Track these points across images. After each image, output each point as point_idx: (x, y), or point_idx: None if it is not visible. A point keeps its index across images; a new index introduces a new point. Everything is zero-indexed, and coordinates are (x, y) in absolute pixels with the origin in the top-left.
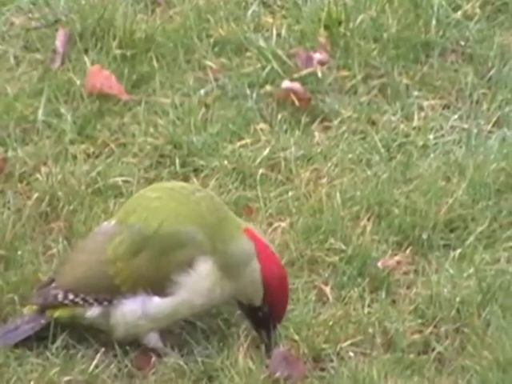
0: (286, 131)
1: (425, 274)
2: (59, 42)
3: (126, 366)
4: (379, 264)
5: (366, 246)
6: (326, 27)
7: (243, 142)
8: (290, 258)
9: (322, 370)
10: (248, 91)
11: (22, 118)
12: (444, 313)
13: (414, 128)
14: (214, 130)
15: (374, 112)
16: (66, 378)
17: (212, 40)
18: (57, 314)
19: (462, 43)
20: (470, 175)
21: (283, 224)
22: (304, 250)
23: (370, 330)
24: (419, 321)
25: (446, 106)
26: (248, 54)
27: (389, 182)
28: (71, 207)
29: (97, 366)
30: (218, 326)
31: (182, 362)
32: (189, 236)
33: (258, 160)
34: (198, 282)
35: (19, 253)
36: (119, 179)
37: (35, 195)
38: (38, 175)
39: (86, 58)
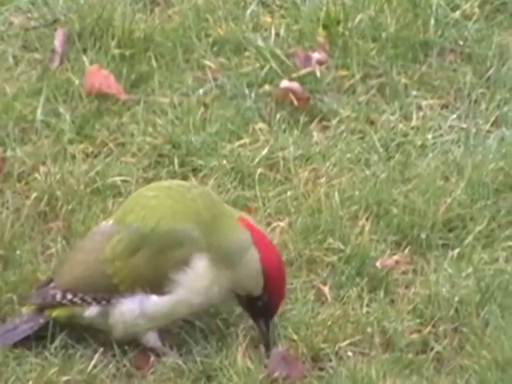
0: (284, 131)
1: (423, 274)
2: (58, 41)
3: (125, 365)
4: (378, 264)
5: (365, 245)
6: (325, 27)
7: (242, 141)
8: (289, 257)
9: (321, 369)
10: (247, 91)
11: (21, 118)
12: (442, 312)
13: (413, 127)
14: (212, 129)
15: (373, 112)
16: (65, 378)
17: (211, 39)
18: (55, 313)
19: (461, 43)
20: (469, 175)
21: (282, 224)
22: (302, 249)
23: (369, 330)
24: (418, 320)
25: (445, 106)
26: (247, 53)
27: (387, 182)
28: (70, 207)
29: (95, 366)
30: (217, 326)
31: (180, 362)
32: (185, 234)
33: (257, 160)
34: (195, 280)
35: (18, 252)
36: (118, 179)
37: (34, 195)
38: (36, 175)
39: (84, 58)
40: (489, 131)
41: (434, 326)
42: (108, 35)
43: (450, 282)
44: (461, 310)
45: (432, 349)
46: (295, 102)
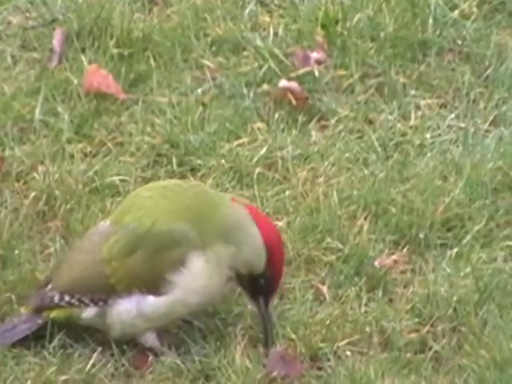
0: (283, 130)
1: (422, 273)
2: (56, 41)
3: (123, 365)
4: (376, 263)
5: (363, 245)
6: (323, 26)
7: (240, 141)
8: (287, 257)
9: (319, 369)
10: (245, 90)
11: (19, 117)
12: (441, 312)
13: (411, 127)
14: (211, 129)
15: (371, 111)
16: (63, 378)
17: (209, 39)
18: (53, 314)
19: (459, 42)
20: (467, 174)
21: (280, 223)
22: (301, 249)
23: (367, 329)
24: (416, 320)
25: (443, 105)
26: (245, 53)
27: (386, 181)
28: (68, 206)
29: (94, 366)
30: (215, 326)
31: (179, 361)
32: (182, 234)
33: (255, 159)
34: (192, 281)
35: (16, 252)
36: (116, 178)
37: (32, 194)
38: (35, 174)
39: (83, 57)
40: (487, 131)
41: (432, 326)
42: (106, 35)
43: (448, 281)
44: (459, 310)
45: (430, 348)
46: (294, 102)
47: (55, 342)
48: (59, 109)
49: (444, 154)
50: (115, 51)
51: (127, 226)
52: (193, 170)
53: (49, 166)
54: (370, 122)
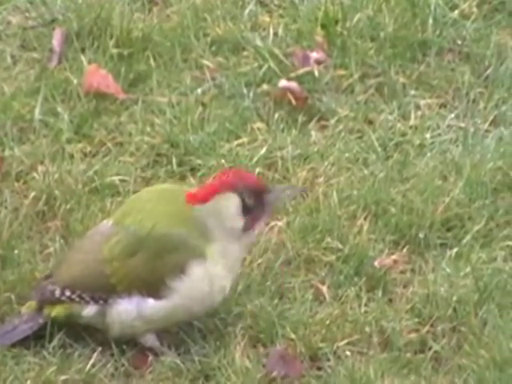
0: (282, 130)
1: (421, 273)
2: (56, 41)
3: (123, 365)
4: (376, 263)
5: (363, 245)
6: (323, 26)
7: (240, 141)
8: (287, 257)
9: (319, 369)
10: (245, 90)
11: (19, 117)
12: (441, 312)
13: (411, 127)
14: (210, 129)
15: (371, 111)
16: (63, 377)
17: (209, 39)
18: (54, 312)
19: (459, 42)
20: (467, 174)
21: (280, 223)
22: (301, 249)
23: (367, 329)
24: (416, 320)
25: (443, 105)
26: (245, 53)
27: (385, 181)
28: (68, 206)
29: (94, 365)
30: (215, 326)
31: (178, 361)
32: (181, 238)
33: (255, 159)
34: (192, 288)
35: (16, 252)
36: (116, 178)
37: (32, 194)
38: (34, 174)
39: (82, 57)
40: (487, 130)
41: (432, 326)
42: (106, 35)
43: (448, 281)
44: (459, 310)
45: (430, 348)
46: (293, 102)
47: (55, 342)
48: (59, 109)
49: (444, 153)
50: (115, 51)
51: (128, 228)
52: (192, 170)
53: (48, 165)
54: (370, 122)
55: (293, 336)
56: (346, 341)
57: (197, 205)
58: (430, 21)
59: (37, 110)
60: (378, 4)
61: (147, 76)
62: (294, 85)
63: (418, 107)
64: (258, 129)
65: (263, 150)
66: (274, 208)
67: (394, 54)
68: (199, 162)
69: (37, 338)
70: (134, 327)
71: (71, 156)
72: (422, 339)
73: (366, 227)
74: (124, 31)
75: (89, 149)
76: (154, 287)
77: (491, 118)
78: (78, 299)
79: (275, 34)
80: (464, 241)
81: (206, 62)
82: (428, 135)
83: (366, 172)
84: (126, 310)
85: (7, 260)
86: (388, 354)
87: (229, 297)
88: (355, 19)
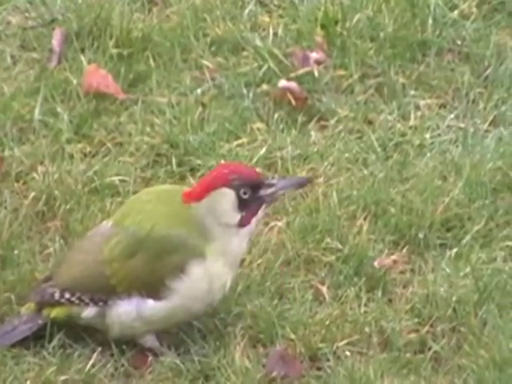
0: (282, 130)
1: (421, 273)
2: (56, 41)
3: (123, 365)
4: (376, 263)
5: (363, 245)
6: (323, 26)
7: (240, 141)
8: (287, 257)
9: (319, 369)
10: (245, 90)
11: (19, 118)
12: (440, 312)
13: (411, 127)
14: (210, 129)
15: (371, 111)
16: (63, 378)
17: (209, 39)
18: (54, 313)
19: (459, 42)
20: (467, 174)
21: (280, 223)
22: (300, 249)
23: (367, 330)
24: (416, 320)
25: (443, 106)
26: (245, 53)
27: (385, 182)
28: (68, 206)
29: (93, 366)
30: (215, 326)
31: (178, 361)
32: (180, 239)
33: (255, 159)
34: (192, 288)
35: (16, 252)
36: (116, 178)
37: (32, 194)
38: (34, 174)
39: (82, 57)
40: (487, 131)
41: (431, 326)
42: (106, 35)
43: (447, 281)
44: (459, 310)
45: (430, 348)
46: (293, 102)
47: (55, 342)
48: (59, 109)
49: (443, 154)
50: (114, 51)
51: (128, 229)
52: (192, 170)
53: (48, 166)
54: (370, 122)
55: (292, 336)
56: (345, 341)
57: (192, 203)
58: (430, 21)
59: (36, 111)
60: (377, 4)
61: (147, 76)
62: (293, 85)
63: (417, 107)
64: (258, 129)
65: (263, 150)
66: (272, 200)
67: (394, 54)
68: (199, 162)
69: (36, 338)
70: (134, 328)
71: (71, 156)
72: (422, 339)
73: (365, 227)
74: (124, 31)
75: (88, 149)
76: (153, 288)
77: (491, 119)
78: (77, 301)
79: (275, 34)
80: (464, 241)
81: (205, 62)
82: (428, 135)
83: (365, 172)
84: (126, 311)
85: (7, 260)
86: (388, 355)
87: (229, 296)
88: (355, 19)
